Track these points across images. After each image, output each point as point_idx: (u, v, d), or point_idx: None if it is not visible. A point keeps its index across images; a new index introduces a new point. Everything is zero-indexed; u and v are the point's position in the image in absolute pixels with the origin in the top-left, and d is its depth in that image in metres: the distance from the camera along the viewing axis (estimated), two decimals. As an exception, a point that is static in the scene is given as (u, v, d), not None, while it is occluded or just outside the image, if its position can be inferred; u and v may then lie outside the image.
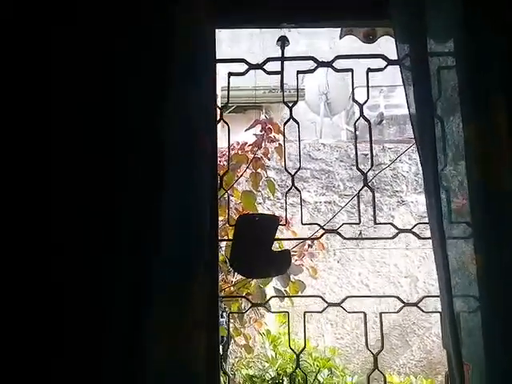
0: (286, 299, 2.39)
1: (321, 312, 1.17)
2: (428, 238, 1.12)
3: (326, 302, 1.15)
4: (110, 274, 0.90)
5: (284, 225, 1.13)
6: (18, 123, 0.96)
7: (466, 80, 1.04)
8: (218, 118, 1.15)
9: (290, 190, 1.15)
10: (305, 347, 1.23)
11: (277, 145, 2.54)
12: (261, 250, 1.09)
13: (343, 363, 3.16)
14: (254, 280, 2.61)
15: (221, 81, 1.29)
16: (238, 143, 2.63)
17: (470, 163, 0.99)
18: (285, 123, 1.19)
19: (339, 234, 1.17)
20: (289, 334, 1.22)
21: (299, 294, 2.52)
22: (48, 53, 0.97)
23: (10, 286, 0.90)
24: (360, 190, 1.18)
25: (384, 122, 5.91)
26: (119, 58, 0.97)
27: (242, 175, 2.47)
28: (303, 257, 2.72)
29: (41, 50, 0.98)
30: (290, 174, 1.15)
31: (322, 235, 1.13)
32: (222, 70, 1.28)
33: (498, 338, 0.98)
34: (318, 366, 2.68)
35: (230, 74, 1.16)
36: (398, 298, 1.16)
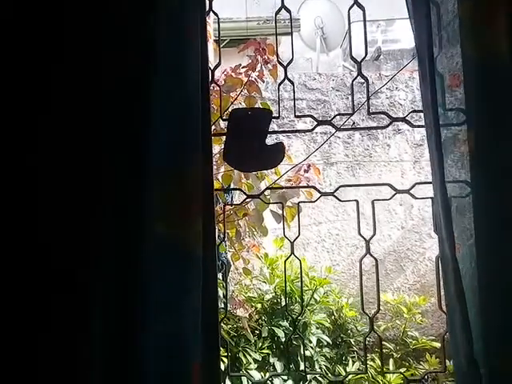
0: (283, 223, 2.43)
1: (314, 201, 1.19)
2: (422, 126, 1.12)
3: (320, 192, 1.17)
4: (110, 152, 0.92)
5: (277, 117, 1.13)
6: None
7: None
8: (208, 8, 1.11)
9: (283, 81, 1.14)
10: (299, 235, 1.26)
11: (271, 67, 2.49)
12: (255, 143, 1.10)
13: (339, 288, 3.26)
14: (252, 204, 2.65)
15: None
16: (231, 67, 2.59)
17: (464, 41, 0.97)
18: (276, 13, 1.15)
19: (332, 125, 1.17)
20: (283, 225, 1.25)
21: (295, 218, 2.55)
22: None
23: None
24: (354, 79, 1.16)
25: (381, 57, 5.79)
26: None
27: (236, 98, 2.44)
28: (300, 182, 2.73)
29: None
30: (283, 65, 1.14)
31: (314, 127, 1.13)
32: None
33: (488, 217, 1.00)
34: (314, 284, 2.77)
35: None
36: (390, 185, 1.18)
